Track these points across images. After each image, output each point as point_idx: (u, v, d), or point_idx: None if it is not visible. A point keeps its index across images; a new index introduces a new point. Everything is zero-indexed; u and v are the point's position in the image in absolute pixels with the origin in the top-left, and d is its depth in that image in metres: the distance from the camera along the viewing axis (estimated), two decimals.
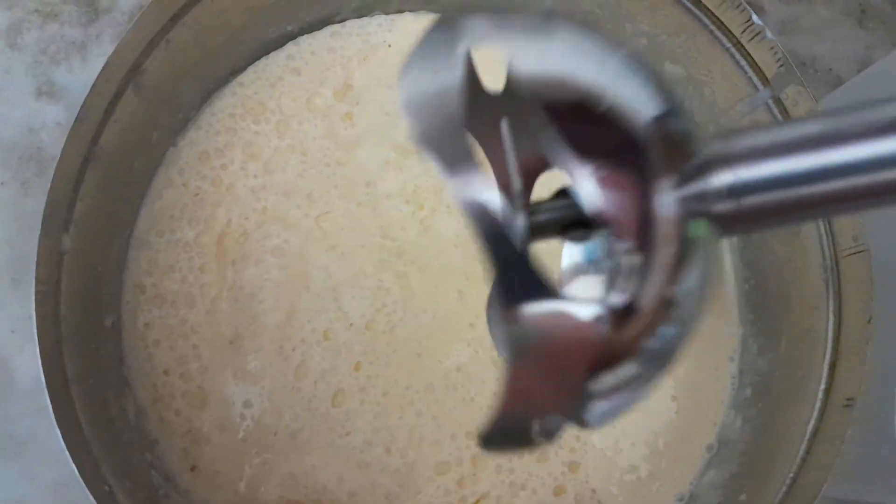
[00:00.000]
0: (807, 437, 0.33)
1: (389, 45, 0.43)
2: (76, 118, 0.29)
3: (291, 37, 0.41)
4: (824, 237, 0.35)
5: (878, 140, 0.17)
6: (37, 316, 0.27)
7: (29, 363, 0.43)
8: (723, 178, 0.18)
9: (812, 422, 0.33)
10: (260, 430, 0.36)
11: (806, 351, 0.35)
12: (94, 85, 0.30)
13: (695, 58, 0.39)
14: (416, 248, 0.40)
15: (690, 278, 0.19)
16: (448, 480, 0.37)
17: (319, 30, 0.42)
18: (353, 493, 0.36)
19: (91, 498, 0.26)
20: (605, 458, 0.39)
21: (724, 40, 0.37)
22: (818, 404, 0.33)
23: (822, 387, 0.33)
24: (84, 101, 0.29)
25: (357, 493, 0.36)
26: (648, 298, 0.18)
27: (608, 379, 0.18)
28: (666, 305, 0.18)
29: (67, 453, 0.26)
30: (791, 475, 0.33)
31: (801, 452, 0.33)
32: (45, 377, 0.26)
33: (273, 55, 0.41)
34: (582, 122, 0.19)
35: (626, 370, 0.18)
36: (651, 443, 0.39)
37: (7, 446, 0.42)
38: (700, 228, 0.18)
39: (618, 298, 0.18)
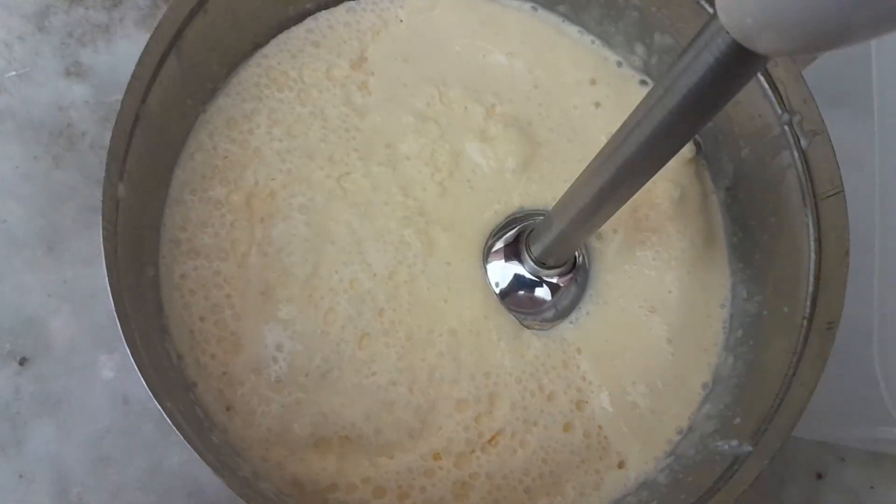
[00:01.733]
0: (793, 362, 0.36)
1: (401, 21, 0.46)
2: (132, 76, 0.32)
3: (310, 13, 0.45)
4: (805, 184, 0.38)
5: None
6: (105, 251, 0.30)
7: (63, 326, 0.46)
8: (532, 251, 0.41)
9: (797, 348, 0.37)
10: (292, 371, 0.39)
11: (790, 289, 0.39)
12: (146, 46, 0.33)
13: (682, 28, 0.43)
14: (437, 208, 0.43)
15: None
16: (467, 417, 0.40)
17: (336, 6, 0.45)
18: (378, 430, 0.39)
19: (160, 411, 0.29)
20: (610, 397, 0.42)
21: (708, 8, 0.41)
22: (802, 332, 0.37)
23: (806, 316, 0.37)
24: (138, 60, 0.32)
25: (382, 429, 0.39)
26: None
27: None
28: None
29: (138, 371, 0.29)
30: (779, 396, 0.36)
31: (788, 375, 0.36)
32: (115, 304, 0.29)
33: (294, 29, 0.44)
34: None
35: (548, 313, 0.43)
36: (651, 383, 0.43)
37: (44, 404, 0.45)
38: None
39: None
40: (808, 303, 0.37)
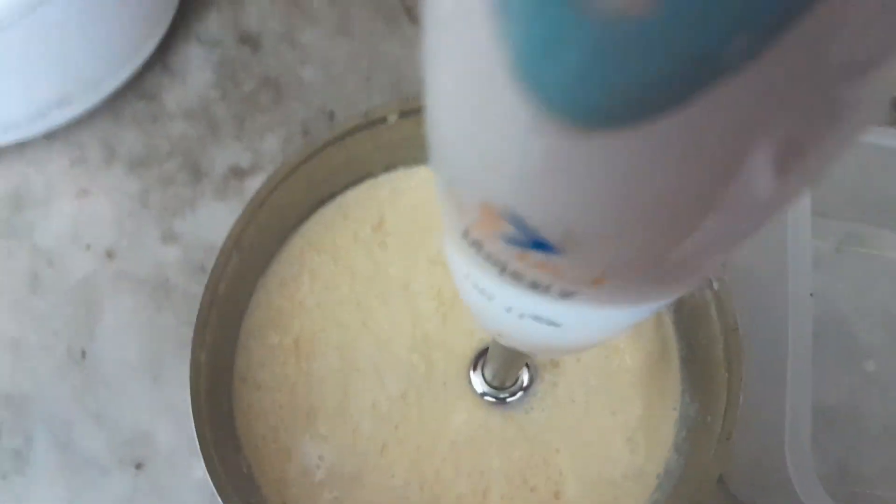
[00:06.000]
0: (711, 469, 0.47)
1: (410, 189, 0.59)
2: (209, 280, 0.46)
3: (340, 192, 0.58)
4: (716, 320, 0.49)
5: None
6: (193, 413, 0.43)
7: (167, 437, 0.60)
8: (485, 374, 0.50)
9: (713, 456, 0.47)
10: (331, 474, 0.52)
11: (712, 401, 0.49)
12: (216, 259, 0.47)
13: None
14: (439, 334, 0.55)
15: None
16: None
17: (360, 183, 0.59)
18: None
19: None
20: (581, 486, 0.53)
21: None
22: (717, 440, 0.47)
23: (720, 428, 0.47)
24: (212, 270, 0.46)
25: None
26: None
27: None
28: None
29: (217, 495, 0.42)
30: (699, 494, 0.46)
31: (710, 475, 0.46)
32: (200, 447, 0.43)
33: (328, 205, 0.58)
34: None
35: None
36: (610, 475, 0.53)
37: (156, 500, 0.59)
38: None
39: None
40: (723, 415, 0.47)
